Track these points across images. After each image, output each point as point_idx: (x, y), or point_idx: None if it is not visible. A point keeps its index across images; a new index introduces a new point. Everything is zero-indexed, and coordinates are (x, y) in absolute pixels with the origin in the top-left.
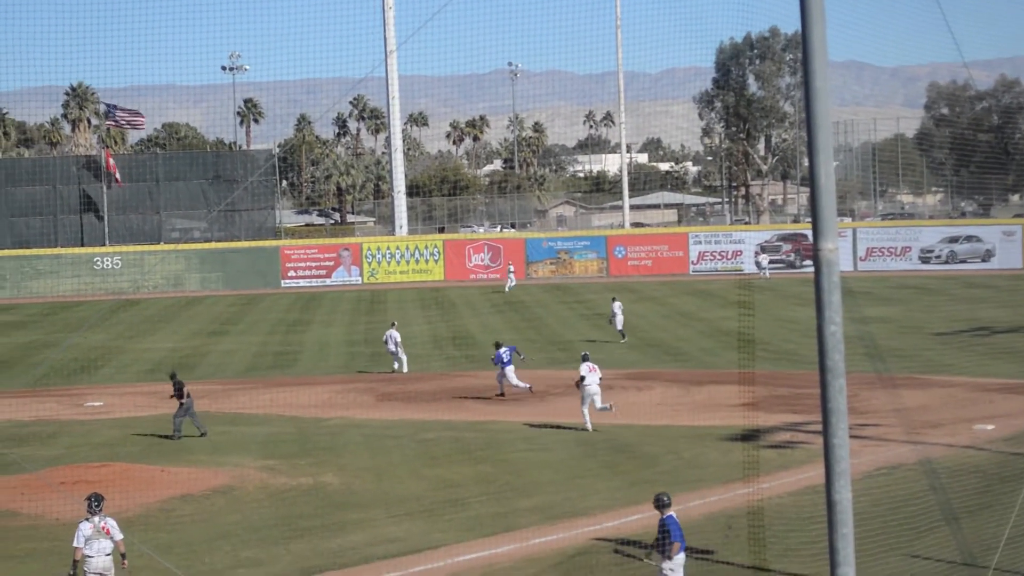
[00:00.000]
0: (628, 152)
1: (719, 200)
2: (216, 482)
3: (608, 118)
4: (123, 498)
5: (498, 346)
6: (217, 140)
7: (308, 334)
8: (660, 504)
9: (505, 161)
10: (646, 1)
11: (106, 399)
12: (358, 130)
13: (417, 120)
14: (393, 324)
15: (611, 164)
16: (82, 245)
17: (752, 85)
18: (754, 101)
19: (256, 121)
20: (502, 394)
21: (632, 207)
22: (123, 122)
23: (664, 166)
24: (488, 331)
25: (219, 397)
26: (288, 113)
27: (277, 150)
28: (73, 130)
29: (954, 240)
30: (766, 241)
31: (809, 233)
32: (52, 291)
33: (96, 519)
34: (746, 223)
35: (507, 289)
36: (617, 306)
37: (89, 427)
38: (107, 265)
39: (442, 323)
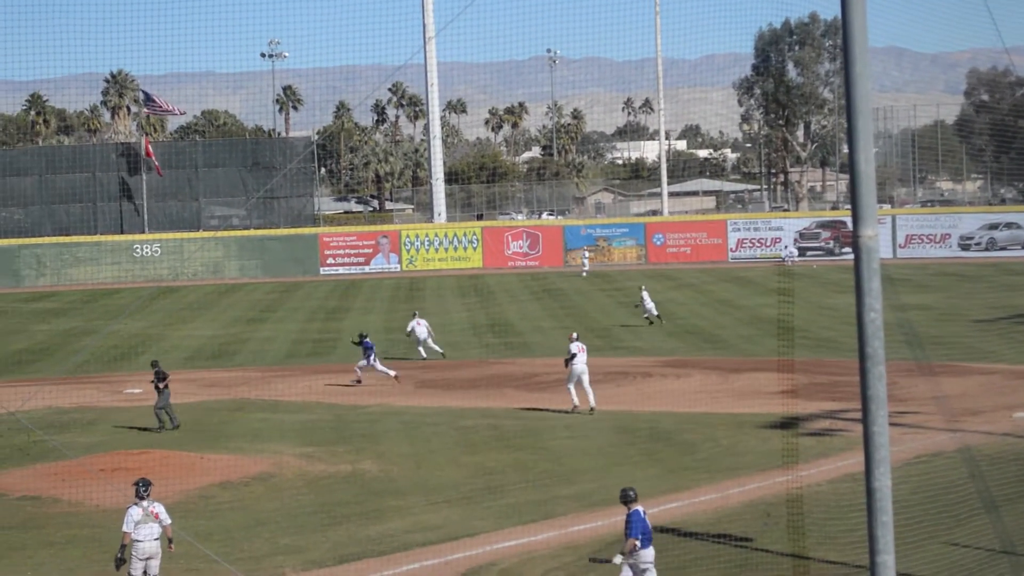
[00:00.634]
0: (667, 139)
1: (758, 187)
2: (255, 469)
3: (647, 105)
4: (162, 485)
5: (363, 336)
6: (256, 127)
7: (346, 321)
8: (626, 499)
9: (543, 148)
10: None
11: (145, 386)
12: (397, 117)
13: (456, 107)
14: (415, 314)
15: (649, 151)
16: (121, 232)
17: (791, 71)
18: (793, 87)
19: (295, 108)
20: (359, 381)
21: (670, 194)
22: (162, 108)
23: (703, 153)
24: (527, 318)
25: (258, 384)
26: (327, 100)
27: (316, 137)
28: (113, 117)
29: (994, 227)
30: (805, 228)
31: (848, 220)
32: (92, 278)
33: (145, 503)
34: (785, 210)
35: (583, 273)
36: (645, 294)
37: (128, 414)
38: (146, 252)
39: (480, 310)
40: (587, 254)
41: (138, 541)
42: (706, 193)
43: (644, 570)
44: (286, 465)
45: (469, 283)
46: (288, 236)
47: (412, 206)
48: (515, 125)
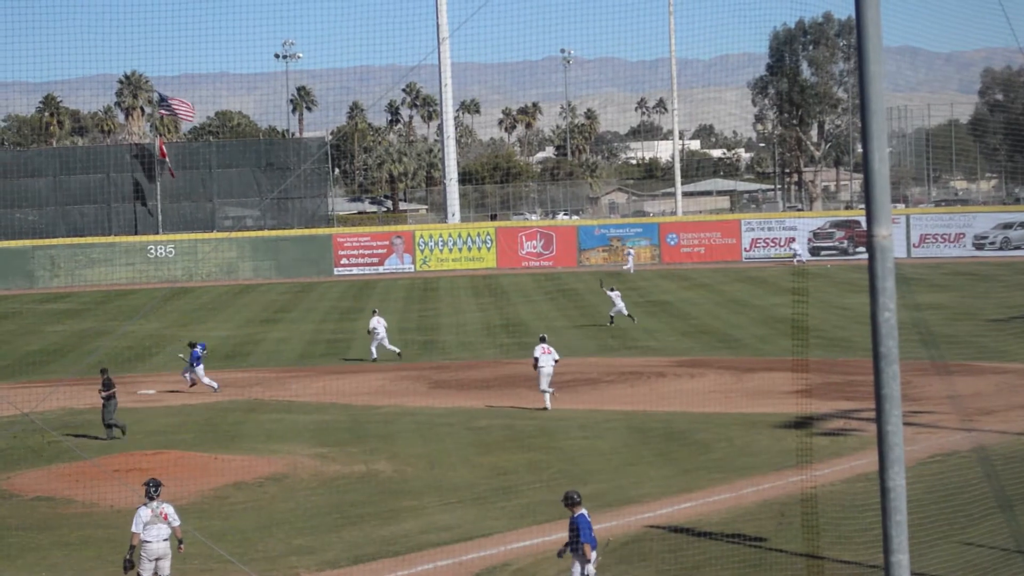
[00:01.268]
0: (680, 139)
1: (772, 187)
2: (269, 470)
3: (660, 105)
4: (176, 486)
5: (192, 345)
6: (270, 128)
7: (361, 322)
8: (570, 502)
9: (557, 148)
10: None
11: (159, 387)
12: (410, 117)
13: (469, 107)
14: (375, 312)
15: (663, 151)
16: (136, 233)
17: (805, 71)
18: (807, 87)
19: (309, 109)
20: (193, 384)
21: (684, 194)
22: (176, 110)
23: (716, 153)
24: (541, 318)
25: (272, 385)
26: (341, 101)
27: (330, 138)
28: (127, 118)
29: (1008, 226)
30: (819, 228)
31: (862, 220)
32: (106, 279)
33: (154, 504)
34: (799, 210)
35: (631, 271)
36: (616, 295)
37: (142, 415)
38: (161, 253)
39: (494, 310)
40: (631, 252)
41: (147, 542)
42: (720, 193)
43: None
44: (300, 466)
45: (483, 283)
46: (302, 237)
47: (426, 206)
48: (529, 125)
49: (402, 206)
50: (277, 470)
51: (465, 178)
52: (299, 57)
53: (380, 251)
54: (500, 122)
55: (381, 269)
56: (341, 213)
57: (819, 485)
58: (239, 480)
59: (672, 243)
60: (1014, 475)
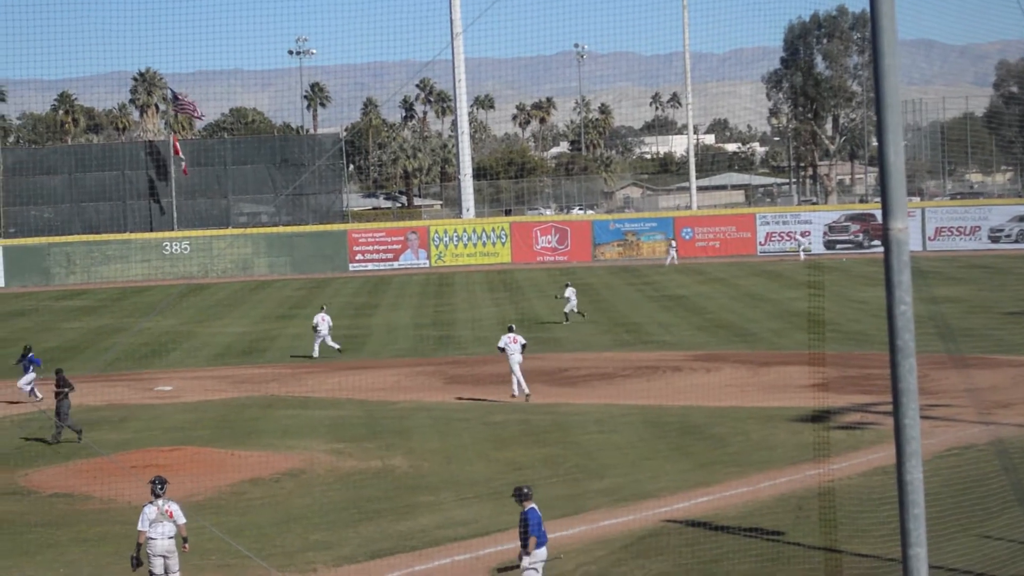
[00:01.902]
0: (695, 133)
1: (786, 181)
2: (285, 465)
3: (675, 99)
4: (194, 482)
5: (27, 350)
6: (284, 124)
7: (376, 318)
8: (521, 496)
9: (571, 143)
10: None
11: (176, 383)
12: (424, 113)
13: (483, 103)
14: (323, 308)
15: (678, 145)
16: (151, 230)
17: (820, 65)
18: (822, 81)
19: (323, 105)
20: (38, 397)
21: (699, 188)
22: (186, 109)
23: (731, 147)
24: (555, 313)
25: (288, 381)
26: (355, 97)
27: (344, 134)
28: (141, 116)
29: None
30: (834, 221)
31: (878, 213)
32: (122, 276)
33: (160, 502)
34: (814, 203)
35: (670, 263)
36: (571, 291)
37: (159, 411)
38: (176, 250)
39: (509, 305)
40: (674, 243)
41: (152, 539)
42: (735, 187)
43: (535, 569)
44: (317, 461)
45: (498, 278)
46: (317, 233)
47: (440, 202)
48: (543, 120)
49: (417, 202)
50: (294, 466)
51: (479, 173)
52: (313, 53)
53: (395, 246)
54: (514, 117)
55: (396, 265)
56: (356, 209)
57: (836, 479)
58: (256, 476)
59: (687, 237)
60: None
